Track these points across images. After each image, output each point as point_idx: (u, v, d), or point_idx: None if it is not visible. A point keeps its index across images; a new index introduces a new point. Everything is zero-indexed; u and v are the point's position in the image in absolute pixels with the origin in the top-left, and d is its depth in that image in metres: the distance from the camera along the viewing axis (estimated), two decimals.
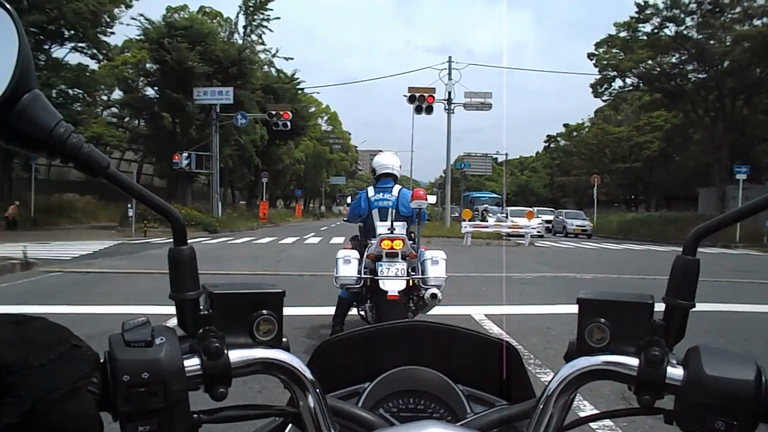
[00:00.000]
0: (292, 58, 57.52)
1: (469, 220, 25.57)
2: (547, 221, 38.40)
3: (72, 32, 28.82)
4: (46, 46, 28.27)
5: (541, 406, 0.65)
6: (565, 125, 68.43)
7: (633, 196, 58.55)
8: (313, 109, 63.01)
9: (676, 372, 0.62)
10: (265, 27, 42.02)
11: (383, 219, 6.04)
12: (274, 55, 44.91)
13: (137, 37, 35.53)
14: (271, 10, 40.93)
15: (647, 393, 0.63)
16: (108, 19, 30.38)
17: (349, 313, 6.10)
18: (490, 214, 33.85)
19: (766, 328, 7.46)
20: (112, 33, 31.69)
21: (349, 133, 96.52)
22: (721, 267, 13.93)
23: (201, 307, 0.64)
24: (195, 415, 0.60)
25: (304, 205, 78.03)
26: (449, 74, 33.24)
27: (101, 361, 0.57)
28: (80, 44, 30.22)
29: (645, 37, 34.43)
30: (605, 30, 56.22)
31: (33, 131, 0.55)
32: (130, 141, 40.74)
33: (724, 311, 7.79)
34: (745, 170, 27.16)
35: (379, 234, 5.74)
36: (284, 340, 0.66)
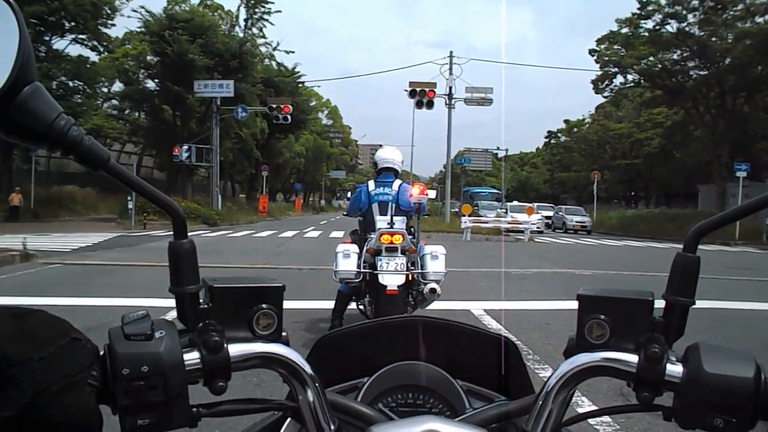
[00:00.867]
0: (293, 52, 57.57)
1: (469, 215, 25.57)
2: (547, 217, 38.42)
3: (72, 24, 28.75)
4: (47, 38, 28.19)
5: (540, 402, 0.65)
6: (566, 121, 68.43)
7: (633, 193, 58.58)
8: (313, 103, 62.97)
9: (675, 369, 0.62)
10: (266, 20, 42.08)
11: (383, 213, 6.04)
12: (275, 49, 45.02)
13: (138, 29, 35.50)
14: (272, 3, 40.97)
15: (646, 390, 0.63)
16: (109, 11, 30.30)
17: (348, 307, 6.10)
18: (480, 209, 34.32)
19: (765, 325, 7.48)
20: (113, 25, 31.65)
21: (350, 128, 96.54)
22: (721, 264, 13.95)
23: (201, 301, 0.64)
24: (194, 409, 0.60)
25: (303, 198, 78.07)
26: (450, 69, 33.25)
27: (101, 354, 0.57)
28: (81, 36, 30.15)
29: (647, 34, 34.36)
30: (607, 26, 56.26)
31: (33, 124, 0.55)
32: (130, 133, 40.75)
33: (723, 309, 7.79)
34: (745, 168, 27.15)
35: (379, 228, 5.74)
36: (284, 334, 0.66)
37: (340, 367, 0.88)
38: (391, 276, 5.40)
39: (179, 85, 32.99)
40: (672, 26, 33.20)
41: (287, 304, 0.67)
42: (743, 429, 0.59)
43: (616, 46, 36.41)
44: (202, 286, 0.64)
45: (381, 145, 7.19)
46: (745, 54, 29.87)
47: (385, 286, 5.36)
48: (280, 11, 42.98)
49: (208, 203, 34.46)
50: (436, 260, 5.64)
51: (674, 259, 0.65)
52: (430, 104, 29.55)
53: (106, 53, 33.13)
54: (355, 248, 5.80)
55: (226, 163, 41.58)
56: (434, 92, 29.73)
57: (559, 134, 71.79)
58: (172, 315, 0.64)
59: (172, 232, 0.63)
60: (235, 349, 0.62)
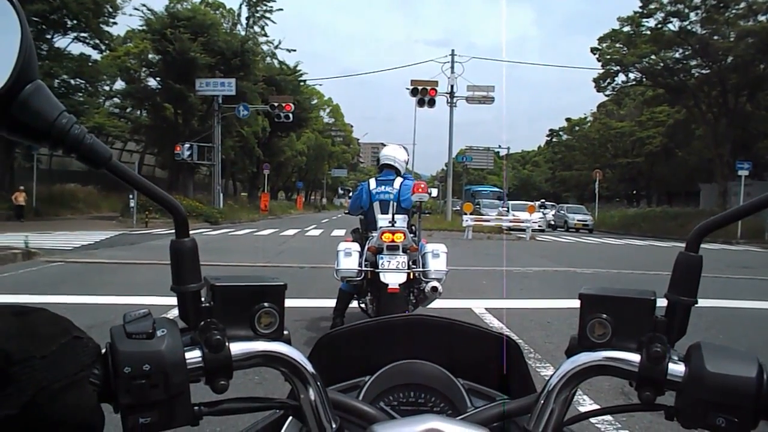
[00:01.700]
0: (294, 50, 57.29)
1: (471, 214, 25.56)
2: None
3: (74, 22, 28.76)
4: (49, 36, 28.22)
5: (542, 401, 0.65)
6: (568, 119, 68.41)
7: (635, 192, 58.50)
8: (315, 101, 62.91)
9: (677, 368, 0.62)
10: (268, 18, 42.12)
11: (384, 212, 6.03)
12: (276, 47, 45.02)
13: (140, 28, 35.43)
14: (274, 1, 41.00)
15: (648, 389, 0.63)
16: (110, 9, 30.31)
17: (350, 305, 6.10)
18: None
19: (767, 324, 7.46)
20: (115, 23, 31.69)
21: (351, 126, 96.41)
22: (723, 263, 13.93)
23: (202, 300, 0.64)
24: (196, 407, 0.60)
25: (305, 197, 78.04)
26: (452, 67, 33.22)
27: (103, 352, 0.57)
28: (82, 34, 30.15)
29: (649, 32, 34.30)
30: (609, 24, 56.20)
31: (35, 122, 0.55)
32: (131, 131, 40.77)
33: (725, 308, 7.79)
34: (747, 166, 27.09)
35: (380, 227, 5.73)
36: (285, 332, 0.66)
37: (341, 365, 0.88)
38: (393, 274, 5.40)
39: (181, 84, 32.97)
40: (674, 24, 33.16)
41: (288, 303, 0.67)
42: (745, 428, 0.59)
43: (618, 45, 36.36)
44: (204, 285, 0.64)
45: (383, 144, 7.17)
46: (747, 52, 29.81)
47: (387, 285, 5.35)
48: (281, 9, 43.03)
49: (209, 201, 34.46)
50: (437, 259, 5.64)
51: (677, 258, 0.65)
52: (431, 102, 29.55)
53: (107, 51, 33.12)
54: (356, 247, 5.80)
55: (227, 161, 41.58)
56: (436, 90, 29.73)
57: (560, 132, 71.75)
58: (174, 313, 0.64)
59: (173, 231, 0.64)
60: (236, 348, 0.62)
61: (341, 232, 20.47)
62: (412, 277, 5.55)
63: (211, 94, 33.57)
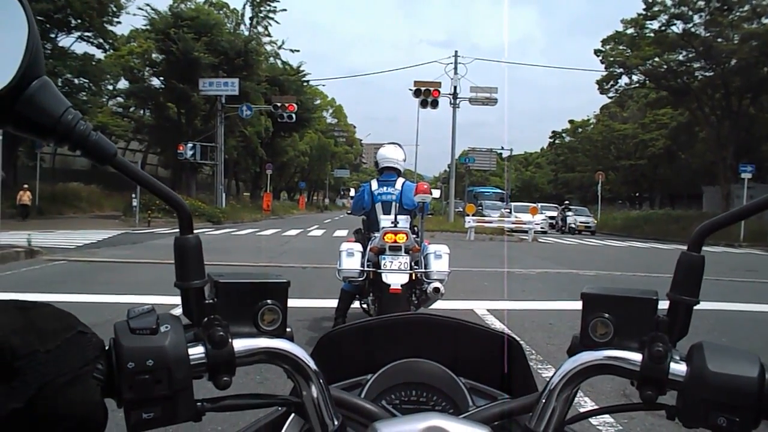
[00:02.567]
0: (297, 51, 57.46)
1: (473, 215, 25.55)
2: (551, 217, 38.37)
3: (78, 21, 28.80)
4: (53, 35, 28.26)
5: (544, 400, 0.65)
6: (571, 121, 68.23)
7: (637, 194, 58.43)
8: (318, 102, 63.01)
9: (679, 368, 0.62)
10: (272, 19, 42.21)
11: (386, 212, 6.04)
12: (279, 47, 45.11)
13: (143, 27, 35.54)
14: (278, 1, 41.23)
15: (650, 388, 0.63)
16: (114, 9, 30.37)
17: (352, 306, 6.10)
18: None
19: None
20: (119, 22, 31.73)
21: (354, 126, 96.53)
22: (725, 266, 13.90)
23: (206, 296, 0.64)
24: (199, 403, 0.60)
25: (308, 197, 78.08)
26: (455, 69, 33.20)
27: (106, 348, 0.58)
28: (86, 33, 30.21)
29: (652, 34, 34.26)
30: (612, 26, 56.14)
31: (41, 118, 0.55)
32: (135, 131, 40.87)
33: (726, 310, 7.77)
34: (750, 169, 27.03)
35: (383, 227, 5.74)
36: (288, 330, 0.66)
37: (343, 363, 0.89)
38: (395, 275, 5.40)
39: (184, 83, 33.04)
40: (678, 27, 33.13)
41: (290, 303, 0.67)
42: (747, 428, 0.59)
43: (621, 47, 36.32)
44: (208, 281, 0.65)
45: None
46: (750, 55, 29.76)
47: (389, 285, 5.35)
48: (285, 10, 43.17)
49: (212, 201, 34.51)
50: (439, 259, 5.64)
51: (679, 258, 0.65)
52: (434, 104, 29.54)
53: (111, 51, 33.19)
54: (358, 247, 5.80)
55: (230, 161, 41.64)
56: (439, 92, 29.71)
57: (563, 134, 71.61)
58: (177, 312, 0.65)
59: (175, 230, 0.64)
60: (239, 344, 0.62)
61: (343, 233, 20.47)
62: (414, 277, 5.55)
63: (215, 94, 33.64)
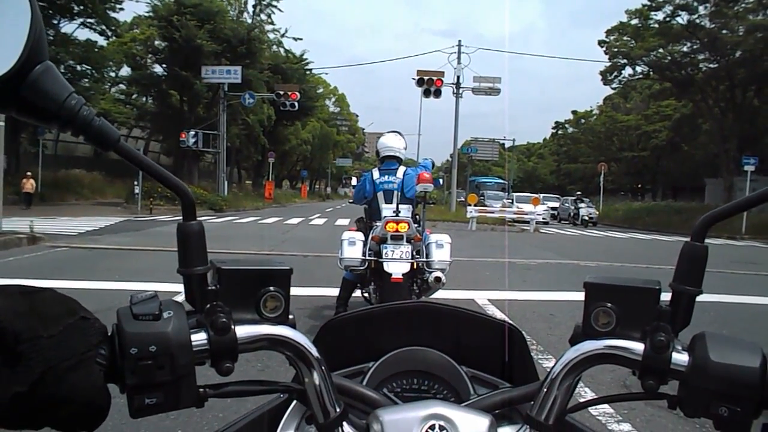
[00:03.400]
0: (300, 39, 57.37)
1: (475, 205, 25.56)
2: (553, 208, 38.34)
3: (81, 7, 28.67)
4: (55, 21, 28.16)
5: (545, 389, 0.66)
6: (574, 112, 68.10)
7: (639, 185, 58.38)
8: (320, 90, 62.85)
9: (681, 358, 0.62)
10: (275, 6, 42.06)
11: (388, 201, 6.04)
12: (282, 35, 45.00)
13: (146, 14, 35.44)
14: None
15: (652, 378, 0.63)
16: None
17: (353, 294, 6.12)
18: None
19: None
20: (121, 9, 31.54)
21: (357, 115, 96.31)
22: (727, 258, 13.90)
23: (209, 283, 0.64)
24: (201, 389, 0.60)
25: (310, 186, 78.06)
26: (458, 58, 33.12)
27: (109, 333, 0.58)
28: (89, 20, 30.07)
29: (656, 25, 34.15)
30: (616, 17, 55.89)
31: (44, 103, 0.55)
32: (137, 118, 40.81)
33: (728, 302, 7.77)
34: (753, 161, 26.94)
35: (385, 216, 5.74)
36: (291, 317, 0.66)
37: (345, 351, 0.89)
38: (396, 264, 5.40)
39: (187, 71, 32.98)
40: (682, 18, 33.00)
41: (292, 291, 0.67)
42: (748, 418, 0.59)
43: (625, 38, 36.20)
44: (210, 268, 0.65)
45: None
46: (755, 47, 29.63)
47: (390, 274, 5.36)
48: None
49: (214, 189, 34.54)
50: (441, 249, 5.64)
51: (682, 248, 0.65)
52: (437, 93, 29.43)
53: (114, 38, 33.09)
54: (360, 236, 5.80)
55: (232, 149, 41.59)
56: (442, 81, 29.59)
57: (566, 125, 71.49)
58: (180, 299, 0.65)
59: (177, 217, 0.64)
60: (242, 331, 0.62)
61: (345, 222, 20.48)
62: (415, 267, 5.55)
63: (217, 82, 33.55)
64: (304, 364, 0.65)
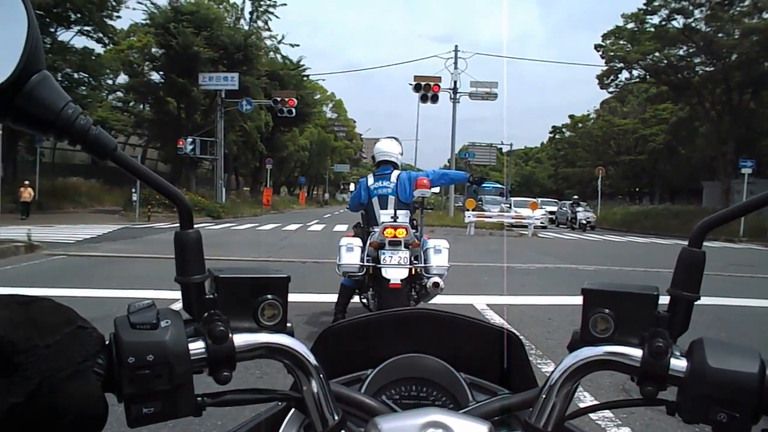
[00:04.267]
0: (297, 45, 57.71)
1: (473, 210, 25.55)
2: (551, 212, 38.33)
3: (78, 15, 28.73)
4: (52, 29, 28.19)
5: (544, 396, 0.65)
6: (571, 116, 68.14)
7: (637, 189, 58.43)
8: (318, 96, 62.95)
9: (679, 363, 0.62)
10: (271, 13, 42.26)
11: (383, 206, 6.03)
12: (279, 42, 45.07)
13: (143, 22, 35.54)
14: None
15: (650, 384, 0.63)
16: (114, 3, 30.21)
17: (351, 300, 6.11)
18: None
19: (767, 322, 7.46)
20: (118, 17, 31.60)
21: (354, 121, 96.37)
22: (724, 261, 13.91)
23: (206, 291, 0.64)
24: (199, 398, 0.60)
25: (308, 192, 78.02)
26: (455, 63, 33.24)
27: (107, 342, 0.58)
28: (86, 28, 30.13)
29: (653, 29, 34.19)
30: (612, 21, 56.09)
31: (41, 112, 0.54)
32: (134, 125, 40.85)
33: (726, 305, 7.78)
34: (750, 164, 26.95)
35: (382, 222, 5.73)
36: (288, 325, 0.66)
37: (343, 358, 0.89)
38: (395, 270, 5.39)
39: (184, 78, 33.01)
40: (678, 22, 33.04)
41: (290, 297, 0.67)
42: (747, 424, 0.59)
43: (621, 42, 36.25)
44: (208, 276, 0.65)
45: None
46: (751, 50, 29.70)
47: (389, 280, 5.34)
48: (285, 4, 43.14)
49: (212, 196, 34.52)
50: (439, 254, 5.63)
51: (679, 253, 0.65)
52: (434, 98, 29.47)
53: (111, 45, 33.15)
54: (358, 242, 5.80)
55: (230, 155, 41.62)
56: (439, 86, 29.64)
57: (563, 129, 71.56)
58: (177, 306, 0.65)
59: (175, 224, 0.64)
60: (240, 339, 0.62)
61: (343, 228, 20.46)
62: (413, 272, 5.55)
63: (214, 89, 33.62)
64: (302, 372, 0.65)
